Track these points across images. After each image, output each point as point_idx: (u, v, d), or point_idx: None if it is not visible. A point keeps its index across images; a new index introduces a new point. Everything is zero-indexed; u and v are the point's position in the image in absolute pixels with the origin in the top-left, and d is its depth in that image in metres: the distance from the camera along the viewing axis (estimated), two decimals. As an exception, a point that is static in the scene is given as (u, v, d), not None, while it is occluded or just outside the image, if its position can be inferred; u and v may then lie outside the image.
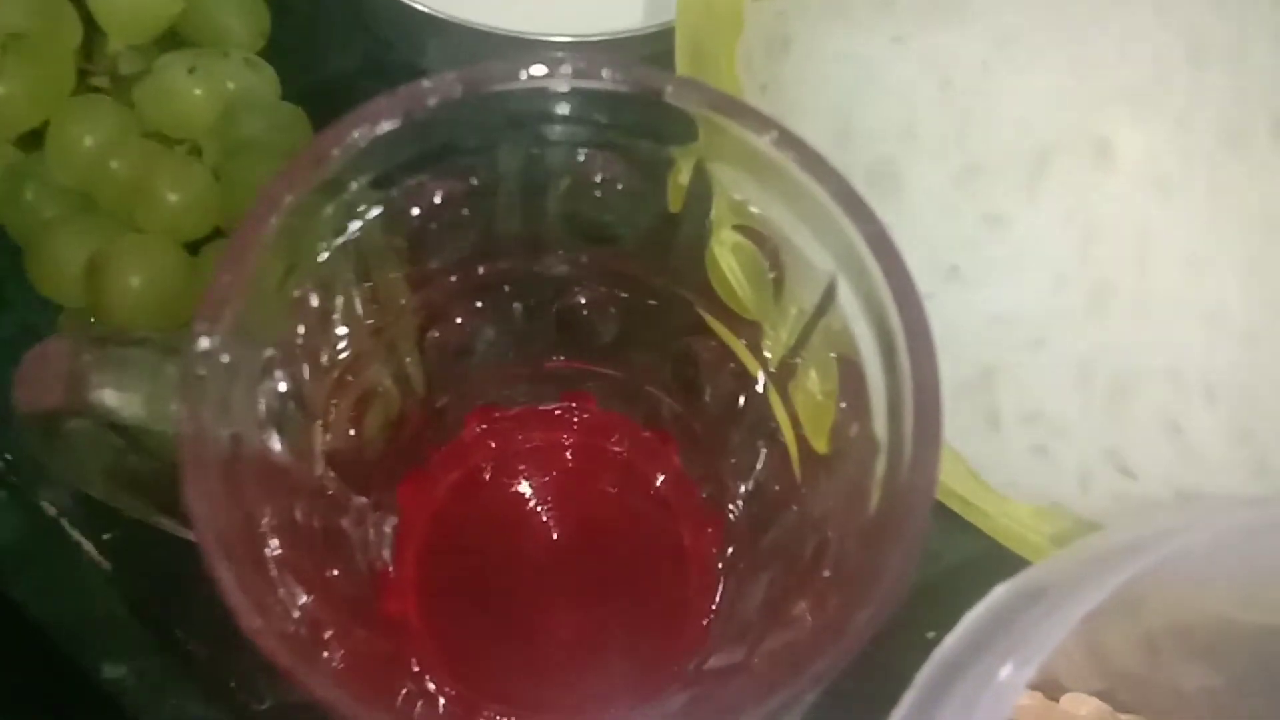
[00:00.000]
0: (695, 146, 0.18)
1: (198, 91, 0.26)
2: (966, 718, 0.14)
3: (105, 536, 0.28)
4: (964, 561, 0.24)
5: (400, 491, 0.25)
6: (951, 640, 0.16)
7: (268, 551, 0.15)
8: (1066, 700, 0.25)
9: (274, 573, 0.15)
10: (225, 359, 0.15)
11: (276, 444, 0.17)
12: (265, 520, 0.16)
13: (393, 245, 0.19)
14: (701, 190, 0.19)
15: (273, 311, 0.16)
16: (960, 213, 0.26)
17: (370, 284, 0.20)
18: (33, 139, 0.27)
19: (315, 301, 0.17)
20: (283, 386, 0.17)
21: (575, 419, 0.26)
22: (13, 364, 0.17)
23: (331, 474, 0.21)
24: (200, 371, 0.15)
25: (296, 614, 0.16)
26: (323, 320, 0.18)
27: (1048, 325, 0.25)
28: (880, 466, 0.16)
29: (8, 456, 0.28)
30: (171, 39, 0.28)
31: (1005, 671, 0.14)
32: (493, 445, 0.26)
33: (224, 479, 0.14)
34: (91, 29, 0.27)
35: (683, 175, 0.18)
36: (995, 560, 0.22)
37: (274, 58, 0.29)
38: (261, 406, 0.16)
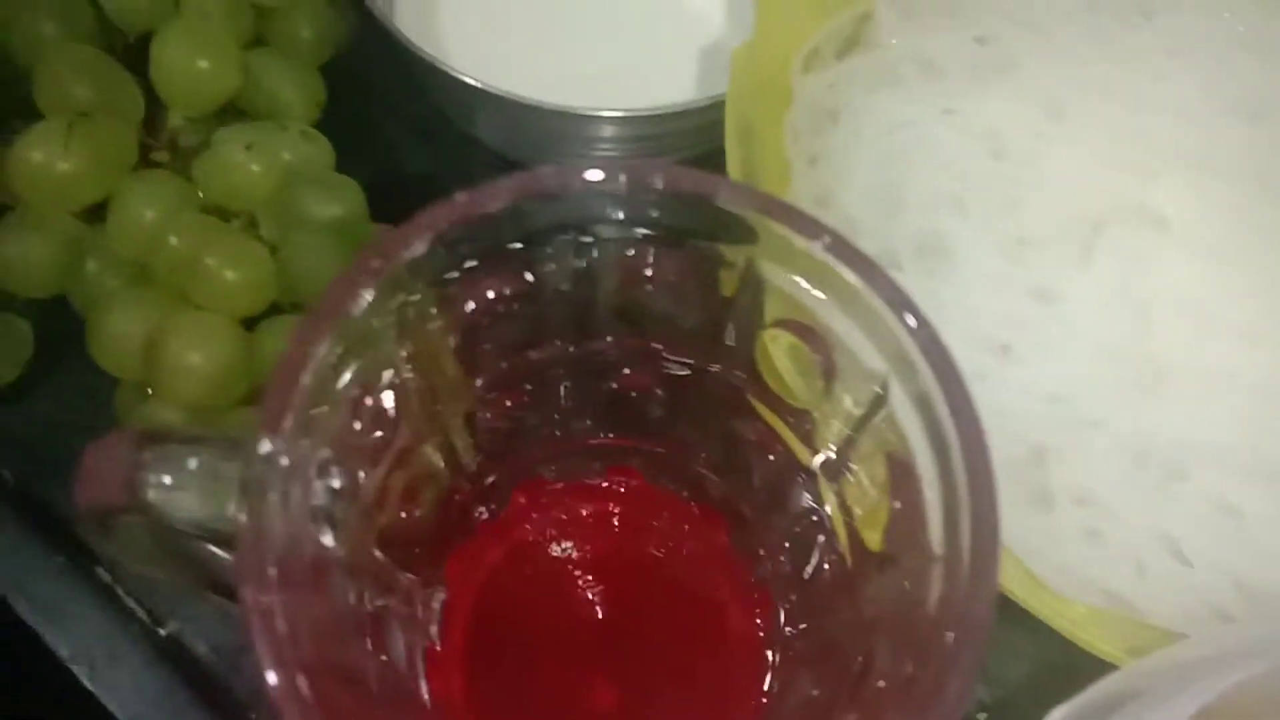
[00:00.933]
0: (747, 247, 0.18)
1: (255, 167, 0.26)
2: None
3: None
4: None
5: (449, 566, 0.25)
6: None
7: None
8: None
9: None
10: (284, 461, 0.15)
11: (329, 539, 0.17)
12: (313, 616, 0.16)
13: (446, 338, 0.19)
14: (753, 280, 0.19)
15: (330, 412, 0.16)
16: (1012, 286, 0.26)
17: (424, 375, 0.20)
18: (95, 211, 0.28)
19: (370, 401, 0.18)
20: (336, 484, 0.17)
21: (622, 491, 0.26)
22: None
23: (382, 556, 0.21)
24: (261, 475, 0.15)
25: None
26: (377, 416, 0.18)
27: (1102, 403, 0.25)
28: (937, 576, 0.16)
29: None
30: (231, 111, 0.29)
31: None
32: (540, 518, 0.26)
33: (280, 578, 0.15)
34: (152, 103, 0.28)
35: (734, 271, 0.18)
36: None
37: (329, 129, 0.29)
38: (316, 504, 0.16)
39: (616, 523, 0.26)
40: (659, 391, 0.23)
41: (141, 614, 0.28)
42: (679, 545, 0.26)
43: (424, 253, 0.16)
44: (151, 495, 0.16)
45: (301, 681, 0.14)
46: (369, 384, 0.18)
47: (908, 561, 0.17)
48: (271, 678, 0.14)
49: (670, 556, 0.26)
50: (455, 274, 0.18)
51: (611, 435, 0.25)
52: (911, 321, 0.16)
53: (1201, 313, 0.26)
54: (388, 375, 0.18)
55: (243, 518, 0.15)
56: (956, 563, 0.15)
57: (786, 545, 0.23)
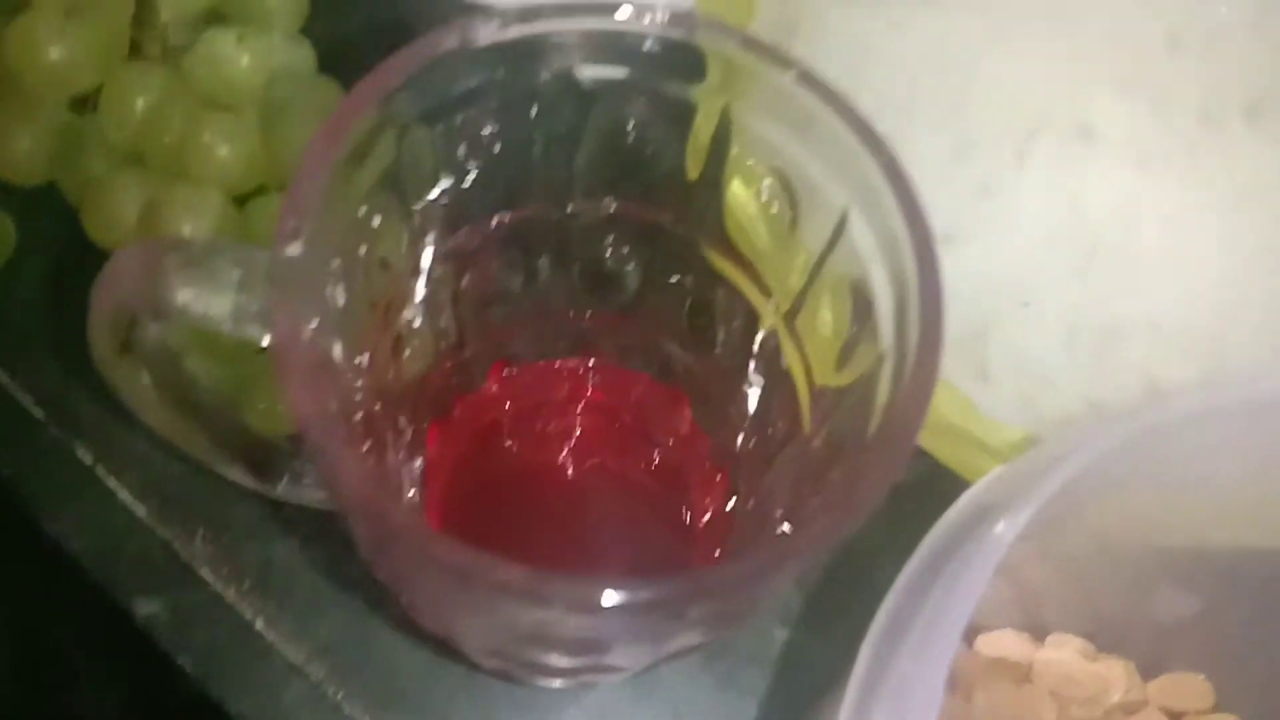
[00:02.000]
0: (717, 90, 0.19)
1: (245, 60, 0.28)
2: (959, 572, 0.15)
3: (138, 483, 0.29)
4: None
5: (429, 435, 0.26)
6: (955, 509, 0.18)
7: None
8: (1051, 640, 0.27)
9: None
10: (307, 262, 0.16)
11: (338, 352, 0.18)
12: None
13: (440, 183, 0.21)
14: (721, 140, 0.21)
15: (340, 224, 0.18)
16: (955, 183, 0.28)
17: (414, 222, 0.21)
18: (85, 103, 0.29)
19: (375, 222, 0.19)
20: (341, 300, 0.19)
21: (593, 373, 0.28)
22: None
23: (376, 405, 0.22)
24: (288, 272, 0.16)
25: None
26: (374, 245, 0.20)
27: (1038, 284, 0.27)
28: (885, 377, 0.18)
29: (40, 411, 0.29)
30: (216, 18, 0.30)
31: (999, 526, 0.16)
32: (514, 396, 0.28)
33: (312, 375, 0.16)
34: (142, 4, 0.29)
35: (705, 119, 0.20)
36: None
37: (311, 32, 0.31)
38: (328, 312, 0.18)
39: (586, 400, 0.28)
40: (632, 261, 0.25)
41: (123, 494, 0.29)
42: (642, 420, 0.28)
43: (422, 73, 0.17)
44: (176, 296, 0.17)
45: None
46: (371, 209, 0.19)
47: (858, 386, 0.19)
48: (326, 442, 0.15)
49: (634, 431, 0.28)
50: (448, 110, 0.19)
51: (585, 313, 0.27)
52: (876, 146, 0.17)
53: (1128, 209, 0.28)
54: (383, 206, 0.19)
55: (277, 311, 0.16)
56: (903, 354, 0.17)
57: (742, 406, 0.25)
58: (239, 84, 0.28)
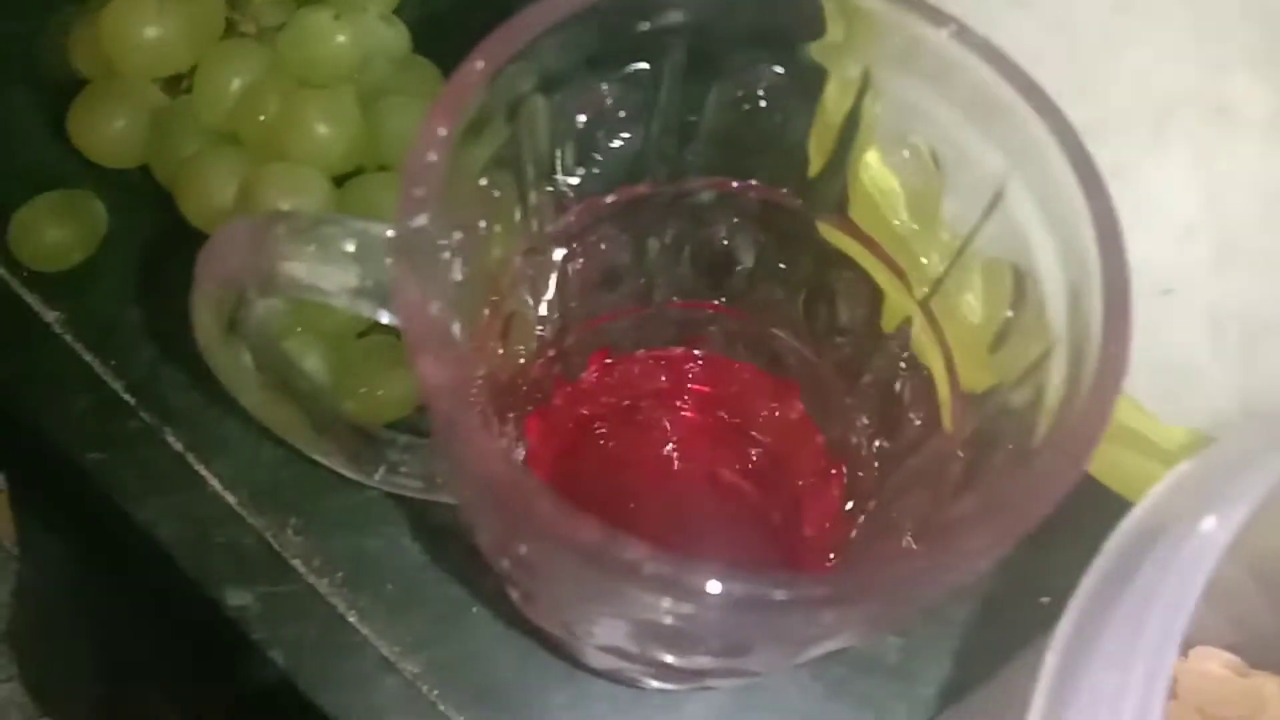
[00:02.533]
0: (852, 53, 0.18)
1: (341, 38, 0.27)
2: (1163, 578, 0.14)
3: (229, 471, 0.28)
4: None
5: (528, 425, 0.25)
6: (1139, 511, 0.16)
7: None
8: (1195, 654, 0.25)
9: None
10: (431, 234, 0.15)
11: (456, 330, 0.17)
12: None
13: (555, 157, 0.20)
14: (854, 110, 0.19)
15: (461, 197, 0.17)
16: (1086, 165, 0.26)
17: (529, 200, 0.20)
18: (176, 84, 0.28)
19: (496, 194, 0.18)
20: (459, 276, 0.18)
21: (698, 363, 0.27)
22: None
23: (485, 391, 0.21)
24: (413, 244, 0.15)
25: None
26: (492, 220, 0.19)
27: (1176, 273, 0.25)
28: (1057, 370, 0.16)
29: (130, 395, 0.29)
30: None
31: (1208, 524, 0.14)
32: (615, 386, 0.27)
33: (440, 349, 0.15)
34: (237, -17, 0.29)
35: (840, 90, 0.19)
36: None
37: (405, 14, 0.30)
38: (448, 288, 0.17)
39: (690, 393, 0.27)
40: (748, 243, 0.23)
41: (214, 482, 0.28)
42: (750, 415, 0.27)
43: (541, 37, 0.16)
44: (286, 268, 0.16)
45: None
46: (492, 182, 0.18)
47: (1020, 381, 0.18)
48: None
49: (741, 427, 0.27)
50: (568, 77, 0.18)
51: (694, 299, 0.25)
52: (1044, 106, 0.16)
53: (1271, 196, 0.26)
54: (502, 180, 0.18)
55: (402, 284, 0.15)
56: (1082, 344, 0.15)
57: (871, 409, 0.23)
58: (335, 62, 0.27)
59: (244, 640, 0.27)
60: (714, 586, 0.13)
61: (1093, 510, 0.21)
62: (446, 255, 0.17)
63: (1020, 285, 0.17)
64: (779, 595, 0.13)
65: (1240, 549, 0.22)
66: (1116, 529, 0.17)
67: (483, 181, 0.17)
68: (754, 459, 0.26)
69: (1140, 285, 0.25)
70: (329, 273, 0.16)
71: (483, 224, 0.18)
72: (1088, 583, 0.16)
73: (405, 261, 0.15)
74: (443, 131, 0.16)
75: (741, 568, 0.13)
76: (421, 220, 0.15)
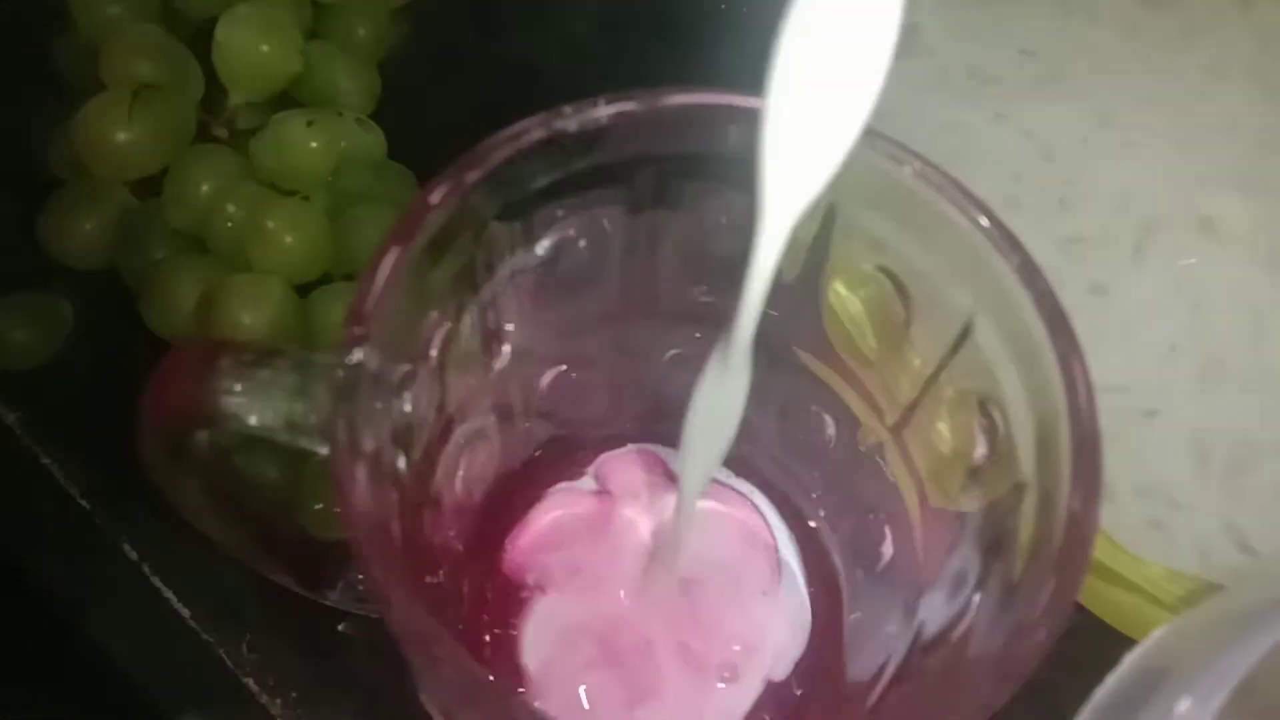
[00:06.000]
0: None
1: (314, 144, 0.27)
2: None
3: (186, 584, 0.27)
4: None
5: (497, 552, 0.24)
6: (1113, 681, 0.15)
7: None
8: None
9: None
10: (373, 368, 0.15)
11: (403, 463, 0.17)
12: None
13: (517, 285, 0.19)
14: (823, 236, 0.19)
15: (411, 327, 0.16)
16: (1066, 283, 0.26)
17: (492, 324, 0.20)
18: (148, 187, 0.28)
19: (446, 327, 0.17)
20: (408, 408, 0.17)
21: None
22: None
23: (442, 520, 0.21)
24: (351, 381, 0.14)
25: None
26: (447, 347, 0.18)
27: (1160, 394, 0.24)
28: (1029, 508, 0.15)
29: (86, 501, 0.28)
30: (287, 100, 0.29)
31: (1182, 706, 0.13)
32: (596, 495, 0.26)
33: (375, 490, 0.14)
34: (213, 85, 0.28)
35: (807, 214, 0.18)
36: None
37: (381, 118, 0.30)
38: (393, 423, 0.16)
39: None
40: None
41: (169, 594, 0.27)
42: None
43: (504, 166, 0.16)
44: (228, 403, 0.16)
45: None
46: (444, 313, 0.17)
47: (991, 504, 0.17)
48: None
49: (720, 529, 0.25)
50: (530, 205, 0.17)
51: (665, 414, 0.25)
52: (1009, 246, 0.15)
53: (1259, 313, 0.26)
54: (459, 309, 0.18)
55: (336, 424, 0.14)
56: (1053, 489, 0.15)
57: (840, 518, 0.23)
58: (307, 169, 0.27)
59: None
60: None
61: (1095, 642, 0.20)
62: (391, 389, 0.16)
63: (990, 423, 0.17)
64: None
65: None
66: (1103, 685, 0.16)
67: (434, 312, 0.17)
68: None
69: (1124, 407, 0.25)
70: (271, 409, 0.16)
71: (434, 352, 0.17)
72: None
73: (341, 400, 0.14)
74: (390, 264, 0.15)
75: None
76: (359, 355, 0.14)
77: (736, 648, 0.22)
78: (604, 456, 0.24)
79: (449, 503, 0.21)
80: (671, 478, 0.24)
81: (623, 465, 0.24)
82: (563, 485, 0.23)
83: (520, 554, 0.24)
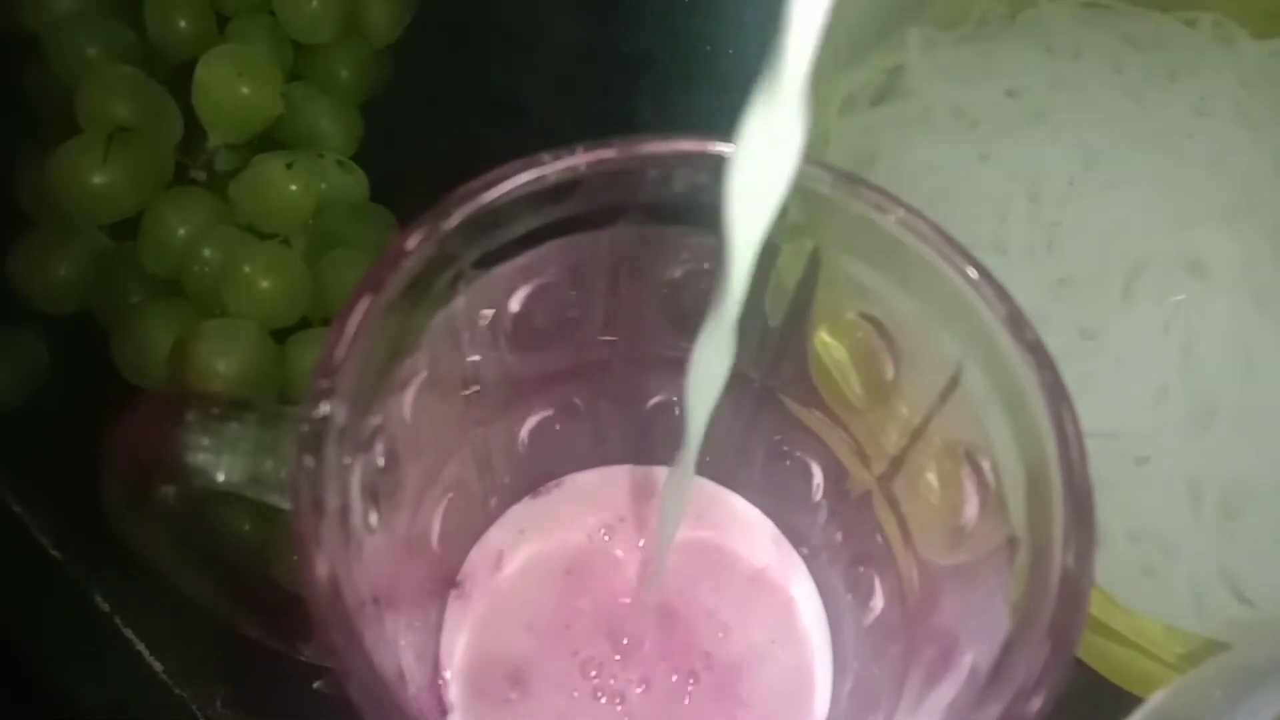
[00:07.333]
0: (804, 230, 0.17)
1: (294, 187, 0.26)
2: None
3: (157, 636, 0.26)
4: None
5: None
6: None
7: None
8: None
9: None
10: (340, 422, 0.14)
11: (374, 518, 0.16)
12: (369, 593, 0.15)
13: (495, 333, 0.19)
14: (808, 285, 0.19)
15: (384, 377, 0.16)
16: (1055, 327, 0.26)
17: (472, 373, 0.19)
18: (125, 230, 0.27)
19: (422, 376, 0.17)
20: (380, 461, 0.16)
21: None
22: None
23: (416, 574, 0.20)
24: (317, 435, 0.14)
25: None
26: (422, 397, 0.18)
27: (1152, 439, 0.24)
28: (1021, 564, 0.15)
29: (57, 550, 0.27)
30: (267, 142, 0.29)
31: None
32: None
33: (339, 549, 0.14)
34: (192, 126, 0.28)
35: (790, 261, 0.18)
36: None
37: (363, 160, 0.29)
38: (363, 478, 0.16)
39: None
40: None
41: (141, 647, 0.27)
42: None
43: (481, 213, 0.16)
44: (192, 460, 0.15)
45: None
46: (419, 365, 0.17)
47: (980, 573, 0.17)
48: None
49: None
50: (508, 253, 0.17)
51: (646, 463, 0.24)
52: (997, 299, 0.15)
53: (1249, 352, 0.25)
54: (435, 359, 0.17)
55: (299, 480, 0.14)
56: (1046, 544, 0.14)
57: (843, 582, 0.22)
58: (287, 211, 0.26)
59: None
60: None
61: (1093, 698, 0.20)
62: (362, 441, 0.15)
63: (979, 474, 0.16)
64: None
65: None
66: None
67: (408, 361, 0.16)
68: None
69: (1116, 453, 0.25)
70: (239, 465, 0.15)
71: (408, 402, 0.17)
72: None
73: (306, 455, 0.14)
74: (359, 316, 0.15)
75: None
76: (326, 409, 0.14)
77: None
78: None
79: (425, 555, 0.20)
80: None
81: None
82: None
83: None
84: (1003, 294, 0.15)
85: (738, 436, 0.22)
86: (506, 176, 0.15)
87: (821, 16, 0.12)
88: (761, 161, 0.13)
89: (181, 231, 0.26)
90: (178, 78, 0.28)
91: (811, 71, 0.13)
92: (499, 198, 0.16)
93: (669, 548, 0.20)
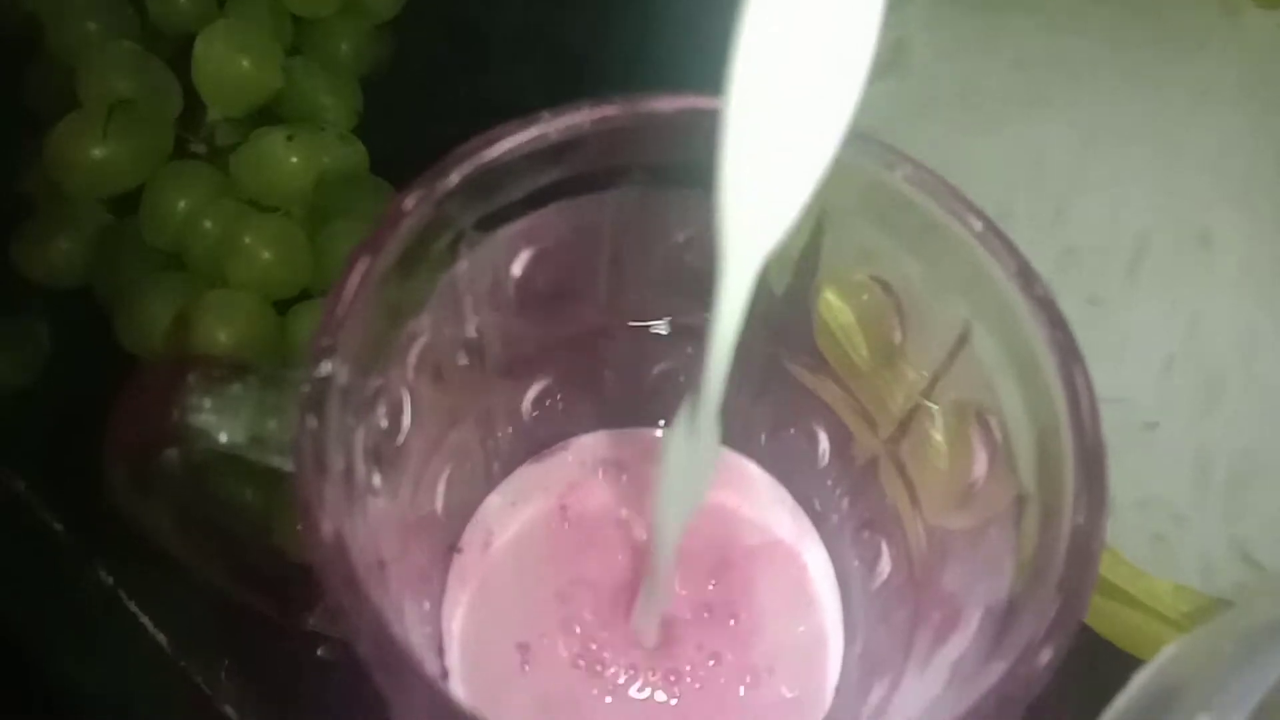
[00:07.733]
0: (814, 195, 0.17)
1: (294, 159, 0.26)
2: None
3: (161, 609, 0.26)
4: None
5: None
6: (1122, 702, 0.15)
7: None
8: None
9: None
10: (342, 382, 0.14)
11: (378, 480, 0.16)
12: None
13: (498, 297, 0.19)
14: (813, 246, 0.18)
15: (385, 339, 0.16)
16: (1062, 295, 0.25)
17: (475, 338, 0.19)
18: (126, 205, 0.27)
19: (423, 340, 0.17)
20: (383, 423, 0.16)
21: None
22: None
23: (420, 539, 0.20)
24: (319, 394, 0.14)
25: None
26: (425, 360, 0.17)
27: (1160, 407, 0.24)
28: (1030, 523, 0.15)
29: (62, 526, 0.27)
30: (267, 116, 0.29)
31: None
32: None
33: (344, 510, 0.14)
34: (192, 101, 0.28)
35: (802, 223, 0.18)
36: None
37: (364, 135, 0.29)
38: (366, 439, 0.16)
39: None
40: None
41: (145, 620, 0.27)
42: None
43: (482, 171, 0.15)
44: (197, 420, 0.15)
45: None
46: (422, 327, 0.17)
47: (990, 533, 0.16)
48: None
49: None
50: (512, 213, 0.17)
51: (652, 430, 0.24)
52: (1006, 255, 0.15)
53: (1254, 330, 0.25)
54: (438, 322, 0.17)
55: (303, 440, 0.14)
56: (1056, 502, 0.14)
57: (851, 547, 0.22)
58: (287, 184, 0.26)
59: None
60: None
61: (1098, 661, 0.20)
62: (365, 403, 0.15)
63: (987, 435, 0.16)
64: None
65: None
66: (1112, 706, 0.15)
67: (410, 323, 0.16)
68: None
69: (1124, 420, 0.24)
70: (241, 426, 0.15)
71: (412, 365, 0.17)
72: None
73: (308, 416, 0.14)
74: (359, 276, 0.15)
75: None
76: (327, 369, 0.14)
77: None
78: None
79: (428, 520, 0.20)
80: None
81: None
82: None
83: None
84: (1011, 249, 0.15)
85: (743, 405, 0.22)
86: (506, 135, 0.15)
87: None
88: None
89: (182, 205, 0.26)
90: (178, 53, 0.28)
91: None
92: (499, 157, 0.15)
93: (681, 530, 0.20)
